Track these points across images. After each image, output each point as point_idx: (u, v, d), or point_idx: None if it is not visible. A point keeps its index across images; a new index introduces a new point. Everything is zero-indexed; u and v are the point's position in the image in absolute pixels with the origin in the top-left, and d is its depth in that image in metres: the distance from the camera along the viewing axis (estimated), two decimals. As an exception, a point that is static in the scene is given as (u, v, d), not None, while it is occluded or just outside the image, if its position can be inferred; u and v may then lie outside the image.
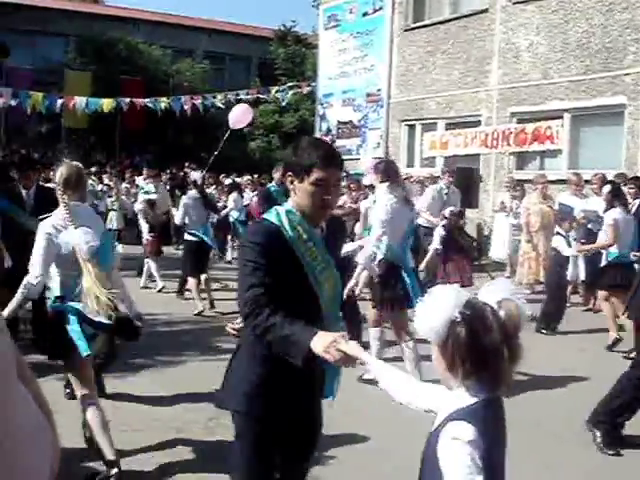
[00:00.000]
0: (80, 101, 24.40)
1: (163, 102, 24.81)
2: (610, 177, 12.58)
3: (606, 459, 5.49)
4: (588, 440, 5.73)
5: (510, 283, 2.39)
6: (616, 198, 9.34)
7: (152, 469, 5.08)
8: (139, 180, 21.10)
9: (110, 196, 20.99)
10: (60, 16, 32.98)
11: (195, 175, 13.31)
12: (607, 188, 9.64)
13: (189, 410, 6.08)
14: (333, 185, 3.08)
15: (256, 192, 16.15)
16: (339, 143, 22.18)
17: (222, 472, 4.13)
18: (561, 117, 15.91)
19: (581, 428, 5.90)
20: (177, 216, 11.58)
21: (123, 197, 20.06)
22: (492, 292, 2.25)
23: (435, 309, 2.20)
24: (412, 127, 20.10)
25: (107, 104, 24.12)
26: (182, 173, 23.34)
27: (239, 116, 15.12)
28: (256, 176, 22.61)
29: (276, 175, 11.09)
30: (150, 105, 24.83)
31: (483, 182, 17.47)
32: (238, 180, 21.79)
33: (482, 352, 2.14)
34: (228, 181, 20.62)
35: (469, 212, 13.52)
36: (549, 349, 8.83)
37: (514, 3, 16.87)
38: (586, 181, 11.81)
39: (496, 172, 17.24)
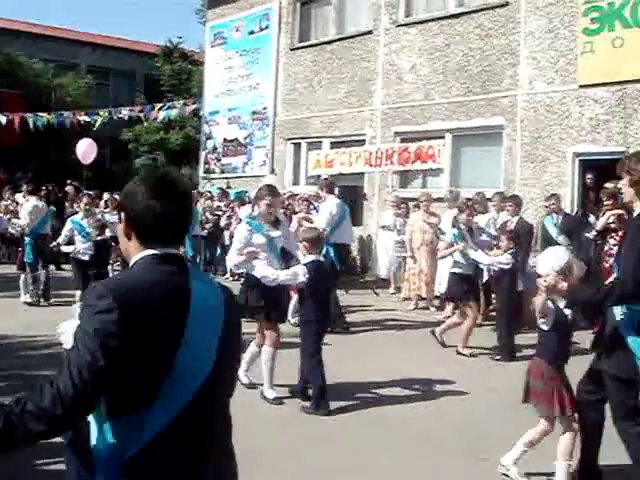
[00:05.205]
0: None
1: (44, 117, 24.11)
2: (489, 195, 13.02)
3: (491, 469, 5.56)
4: (475, 449, 5.82)
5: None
6: None
7: None
8: (18, 197, 20.38)
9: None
10: None
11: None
12: None
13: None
14: None
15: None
16: (225, 161, 22.09)
17: None
18: (443, 137, 16.29)
19: (470, 438, 5.99)
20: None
21: (0, 215, 19.35)
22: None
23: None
24: (297, 145, 20.16)
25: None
26: (63, 192, 22.64)
27: (86, 151, 14.94)
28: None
29: None
30: (30, 120, 24.08)
31: (367, 200, 17.70)
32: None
33: None
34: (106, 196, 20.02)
35: (354, 229, 13.60)
36: (434, 364, 8.97)
37: (397, 26, 17.22)
38: (468, 199, 12.06)
39: (380, 190, 17.47)
